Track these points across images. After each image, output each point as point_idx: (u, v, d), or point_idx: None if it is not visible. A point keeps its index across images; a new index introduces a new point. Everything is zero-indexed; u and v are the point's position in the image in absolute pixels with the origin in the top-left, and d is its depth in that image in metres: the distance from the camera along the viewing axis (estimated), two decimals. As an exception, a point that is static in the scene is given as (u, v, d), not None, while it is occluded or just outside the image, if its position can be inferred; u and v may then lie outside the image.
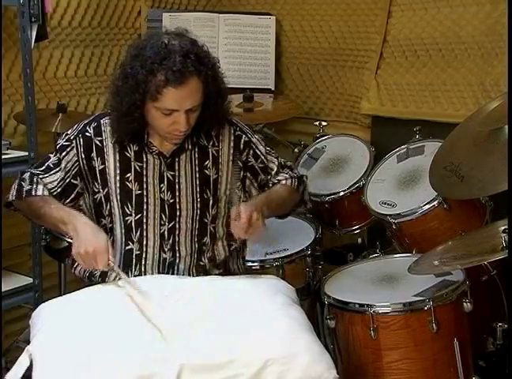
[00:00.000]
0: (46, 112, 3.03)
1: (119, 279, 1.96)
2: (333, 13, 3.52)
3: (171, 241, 2.06)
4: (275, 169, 2.18)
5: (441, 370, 2.21)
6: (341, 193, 2.91)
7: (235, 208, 1.96)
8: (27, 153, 2.66)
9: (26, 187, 2.03)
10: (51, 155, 2.06)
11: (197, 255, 2.09)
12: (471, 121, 2.56)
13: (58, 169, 2.03)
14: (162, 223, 2.05)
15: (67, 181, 2.04)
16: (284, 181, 2.18)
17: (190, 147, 2.05)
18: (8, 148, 2.65)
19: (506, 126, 2.26)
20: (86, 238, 1.88)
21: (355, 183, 2.90)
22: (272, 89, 3.59)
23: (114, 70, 1.97)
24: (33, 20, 2.69)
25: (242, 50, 3.57)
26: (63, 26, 3.22)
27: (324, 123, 3.31)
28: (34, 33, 2.72)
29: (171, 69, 1.82)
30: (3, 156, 2.57)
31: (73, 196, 2.06)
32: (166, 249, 2.06)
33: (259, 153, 2.14)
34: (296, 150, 3.27)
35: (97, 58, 3.40)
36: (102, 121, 2.04)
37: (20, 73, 2.81)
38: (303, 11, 3.62)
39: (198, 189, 2.06)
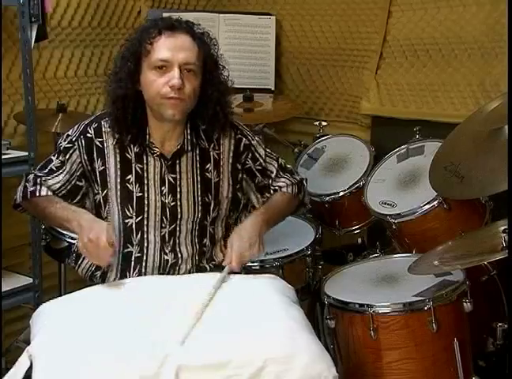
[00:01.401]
0: (46, 112, 3.03)
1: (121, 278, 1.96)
2: (333, 13, 3.52)
3: (171, 243, 2.05)
4: (274, 172, 2.17)
5: (441, 370, 2.21)
6: (341, 193, 2.91)
7: (228, 244, 2.00)
8: (27, 153, 2.66)
9: (30, 188, 2.05)
10: (53, 158, 2.07)
11: (198, 257, 2.09)
12: (471, 121, 2.56)
13: (61, 171, 2.04)
14: (163, 225, 2.04)
15: (72, 183, 2.05)
16: (284, 189, 2.18)
17: (189, 148, 2.04)
18: (8, 148, 2.65)
19: (506, 126, 2.26)
20: (88, 227, 1.90)
21: (355, 183, 2.90)
22: (272, 89, 3.59)
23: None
24: (33, 20, 2.69)
25: (242, 50, 3.57)
26: (63, 26, 3.21)
27: (324, 123, 3.31)
28: (34, 33, 2.72)
29: (165, 22, 1.92)
30: (3, 156, 2.57)
31: (78, 197, 2.07)
32: (167, 252, 2.06)
33: (258, 156, 2.14)
34: (296, 150, 3.27)
35: (97, 58, 3.40)
36: (102, 122, 2.04)
37: (20, 73, 2.80)
38: (303, 11, 3.62)
39: (200, 193, 2.06)
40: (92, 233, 1.89)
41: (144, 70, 1.94)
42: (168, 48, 1.90)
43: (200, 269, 2.09)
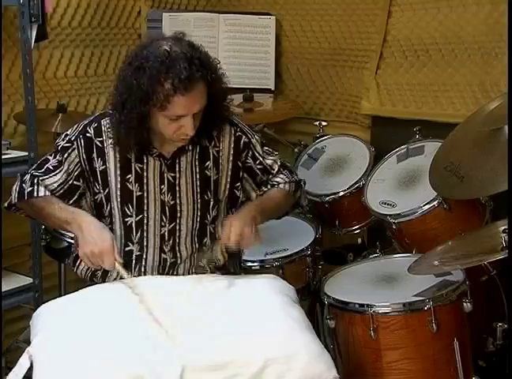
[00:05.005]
0: (46, 112, 3.03)
1: (121, 278, 1.97)
2: (333, 13, 3.52)
3: (171, 242, 2.06)
4: (276, 168, 2.17)
5: (441, 370, 2.21)
6: (341, 193, 2.91)
7: (227, 222, 1.98)
8: (27, 153, 2.66)
9: (27, 189, 2.03)
10: (50, 157, 2.05)
11: (197, 256, 2.09)
12: (471, 121, 2.56)
13: (58, 171, 2.02)
14: (162, 224, 2.05)
15: (70, 182, 2.03)
16: (282, 185, 2.17)
17: (190, 148, 2.05)
18: (8, 148, 2.65)
19: (506, 126, 2.26)
20: (91, 238, 1.89)
21: (355, 183, 2.90)
22: (272, 89, 3.59)
23: (114, 76, 1.95)
24: (33, 20, 2.69)
25: (242, 50, 3.57)
26: (63, 26, 3.21)
27: (324, 123, 3.31)
28: (34, 33, 2.72)
29: (179, 77, 1.81)
30: (3, 156, 2.57)
31: (75, 197, 2.05)
32: (166, 250, 2.06)
33: (257, 154, 2.14)
34: (296, 150, 3.27)
35: (97, 58, 3.40)
36: (102, 121, 2.03)
37: (20, 73, 2.80)
38: (303, 11, 3.62)
39: (199, 191, 2.06)
40: (96, 248, 1.87)
41: (154, 112, 1.89)
42: (185, 105, 1.86)
43: (199, 268, 2.09)
